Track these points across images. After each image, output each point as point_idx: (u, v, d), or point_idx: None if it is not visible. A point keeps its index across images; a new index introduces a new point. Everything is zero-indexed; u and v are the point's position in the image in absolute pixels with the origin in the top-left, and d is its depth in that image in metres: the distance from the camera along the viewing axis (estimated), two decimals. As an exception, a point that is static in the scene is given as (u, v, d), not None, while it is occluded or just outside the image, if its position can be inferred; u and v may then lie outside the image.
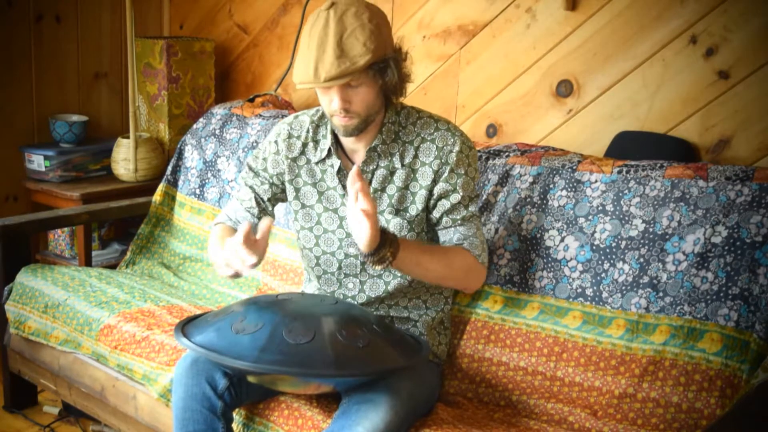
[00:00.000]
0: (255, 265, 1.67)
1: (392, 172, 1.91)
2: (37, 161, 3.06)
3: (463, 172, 1.89)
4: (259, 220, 2.04)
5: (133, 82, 3.10)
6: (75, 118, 3.19)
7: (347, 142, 1.92)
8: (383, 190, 1.92)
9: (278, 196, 2.05)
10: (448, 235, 1.91)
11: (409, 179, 1.91)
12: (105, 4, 3.35)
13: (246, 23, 3.34)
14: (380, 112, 1.87)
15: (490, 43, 2.64)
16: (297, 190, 1.99)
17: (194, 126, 2.95)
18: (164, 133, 3.18)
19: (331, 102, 1.78)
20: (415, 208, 1.91)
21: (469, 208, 1.90)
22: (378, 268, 1.75)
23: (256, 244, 1.68)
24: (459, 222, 1.90)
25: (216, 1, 3.42)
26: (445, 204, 1.89)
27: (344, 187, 1.93)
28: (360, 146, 1.91)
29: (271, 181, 2.02)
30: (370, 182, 1.92)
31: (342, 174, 1.93)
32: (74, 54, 3.29)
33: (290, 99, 3.17)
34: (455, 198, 1.88)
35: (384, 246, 1.71)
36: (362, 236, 1.67)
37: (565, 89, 2.49)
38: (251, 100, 2.98)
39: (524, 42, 2.56)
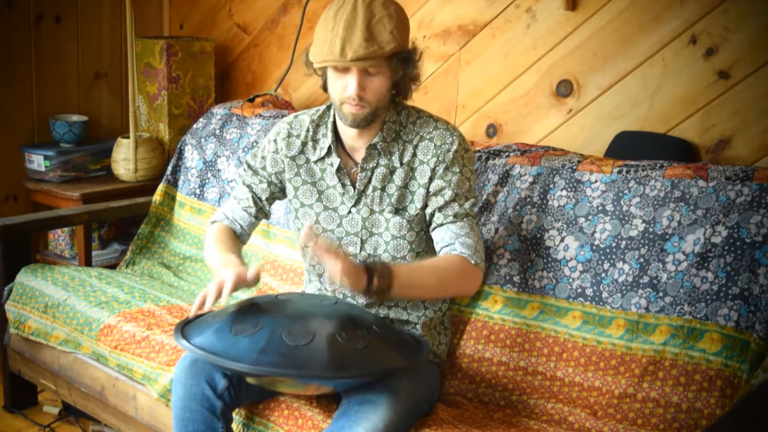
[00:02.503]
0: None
1: (392, 171, 1.92)
2: (37, 161, 3.06)
3: (458, 170, 1.88)
4: (256, 219, 2.06)
5: (133, 82, 3.10)
6: (75, 118, 3.19)
7: (348, 139, 1.92)
8: (383, 189, 1.92)
9: (276, 195, 2.05)
10: (440, 234, 1.88)
11: (408, 178, 1.91)
12: (105, 4, 3.35)
13: (246, 23, 3.34)
14: (386, 108, 1.88)
15: (490, 43, 2.64)
16: (296, 188, 1.99)
17: (194, 126, 2.95)
18: (164, 133, 3.18)
19: (346, 87, 1.79)
20: (414, 207, 1.91)
21: (464, 206, 1.88)
22: (378, 298, 1.74)
23: (246, 282, 1.74)
24: (451, 219, 1.87)
25: (216, 1, 3.42)
26: (438, 200, 1.88)
27: (344, 185, 1.94)
28: (361, 143, 1.91)
29: (269, 179, 2.02)
30: (370, 180, 1.92)
31: (342, 173, 1.93)
32: (74, 54, 3.29)
33: (290, 99, 3.17)
34: (449, 195, 1.87)
35: (373, 278, 1.67)
36: (336, 272, 1.62)
37: (565, 89, 2.49)
38: (251, 100, 2.98)
39: (524, 42, 2.56)
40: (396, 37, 1.75)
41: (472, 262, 1.84)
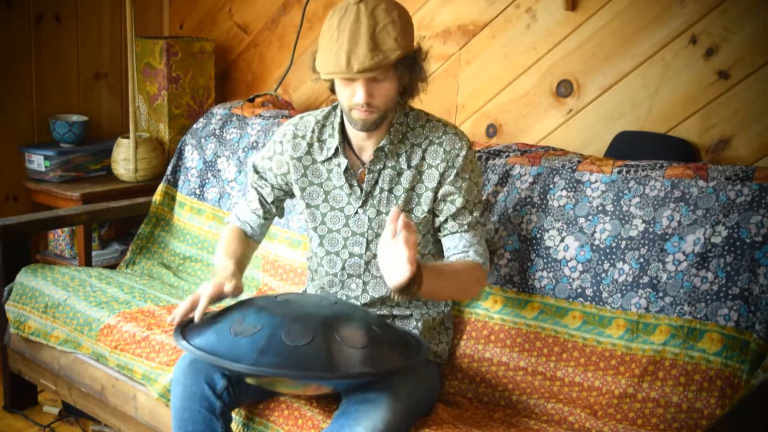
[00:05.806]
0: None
1: (399, 173, 1.92)
2: (37, 161, 3.06)
3: (467, 176, 1.89)
4: (266, 219, 2.09)
5: (133, 82, 3.10)
6: (75, 118, 3.19)
7: (357, 139, 1.93)
8: (390, 191, 1.92)
9: (281, 197, 2.07)
10: (453, 242, 1.90)
11: (416, 181, 1.92)
12: (105, 4, 3.35)
13: (246, 23, 3.34)
14: (394, 110, 1.89)
15: (490, 43, 2.64)
16: (302, 189, 1.99)
17: (194, 126, 2.95)
18: (164, 133, 3.18)
19: (354, 95, 1.79)
20: (420, 209, 1.92)
21: (474, 214, 1.90)
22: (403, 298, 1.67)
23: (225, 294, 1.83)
24: (465, 228, 1.89)
25: (216, 1, 3.42)
26: (450, 208, 1.89)
27: (351, 186, 1.94)
28: (369, 144, 1.92)
29: (275, 182, 2.04)
30: (377, 181, 1.92)
31: (349, 173, 1.94)
32: (74, 54, 3.29)
33: (290, 99, 3.17)
34: (459, 202, 1.88)
35: (414, 282, 1.61)
36: (398, 275, 1.57)
37: (565, 89, 2.49)
38: (251, 100, 2.98)
39: (524, 42, 2.55)
40: (401, 44, 1.75)
41: (485, 268, 1.89)
